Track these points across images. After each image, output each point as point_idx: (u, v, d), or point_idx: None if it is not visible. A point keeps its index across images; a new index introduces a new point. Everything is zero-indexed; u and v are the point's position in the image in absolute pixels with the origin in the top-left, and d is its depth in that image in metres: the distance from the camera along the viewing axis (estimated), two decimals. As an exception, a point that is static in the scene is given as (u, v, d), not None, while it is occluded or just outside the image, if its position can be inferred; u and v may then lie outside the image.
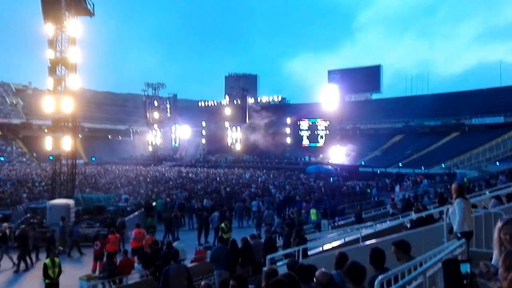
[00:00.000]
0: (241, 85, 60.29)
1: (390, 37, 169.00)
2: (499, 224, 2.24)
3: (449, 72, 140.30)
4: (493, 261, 2.39)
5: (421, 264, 3.80)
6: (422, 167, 40.10)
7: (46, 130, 32.41)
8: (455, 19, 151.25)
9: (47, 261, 9.28)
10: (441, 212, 7.18)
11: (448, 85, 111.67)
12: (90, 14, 19.62)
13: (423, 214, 7.50)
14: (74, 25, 18.51)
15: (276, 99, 62.67)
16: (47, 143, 18.51)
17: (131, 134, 79.13)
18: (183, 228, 17.51)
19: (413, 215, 7.53)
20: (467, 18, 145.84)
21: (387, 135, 60.24)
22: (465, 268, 2.61)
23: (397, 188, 28.96)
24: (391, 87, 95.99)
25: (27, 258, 11.99)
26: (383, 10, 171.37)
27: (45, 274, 9.07)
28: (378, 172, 39.84)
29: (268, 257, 7.69)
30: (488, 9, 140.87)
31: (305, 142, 56.60)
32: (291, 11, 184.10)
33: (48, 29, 17.96)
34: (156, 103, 64.72)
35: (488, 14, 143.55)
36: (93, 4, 19.63)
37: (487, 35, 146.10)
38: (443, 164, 42.66)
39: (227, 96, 63.16)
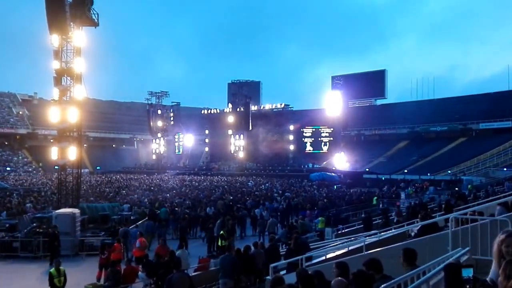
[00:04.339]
0: (244, 92, 60.37)
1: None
2: (500, 236, 2.17)
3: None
4: (490, 274, 2.31)
5: (424, 273, 3.76)
6: (428, 174, 39.80)
7: (51, 140, 32.68)
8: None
9: (53, 270, 9.32)
10: (446, 220, 7.10)
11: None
12: (95, 24, 19.83)
13: (429, 222, 7.42)
14: (79, 35, 18.72)
15: (279, 106, 62.54)
16: (53, 153, 18.64)
17: (135, 143, 79.59)
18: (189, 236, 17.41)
19: (418, 223, 7.45)
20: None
21: (392, 141, 59.85)
22: (468, 273, 2.57)
23: (403, 195, 28.71)
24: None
25: None
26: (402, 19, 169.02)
27: (51, 283, 9.09)
28: (383, 179, 39.58)
29: (271, 265, 7.63)
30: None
31: (309, 148, 56.44)
32: (300, 18, 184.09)
33: (54, 39, 18.14)
34: (159, 112, 65.10)
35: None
36: (98, 14, 19.90)
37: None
38: (449, 171, 42.29)
39: (230, 104, 63.25)
